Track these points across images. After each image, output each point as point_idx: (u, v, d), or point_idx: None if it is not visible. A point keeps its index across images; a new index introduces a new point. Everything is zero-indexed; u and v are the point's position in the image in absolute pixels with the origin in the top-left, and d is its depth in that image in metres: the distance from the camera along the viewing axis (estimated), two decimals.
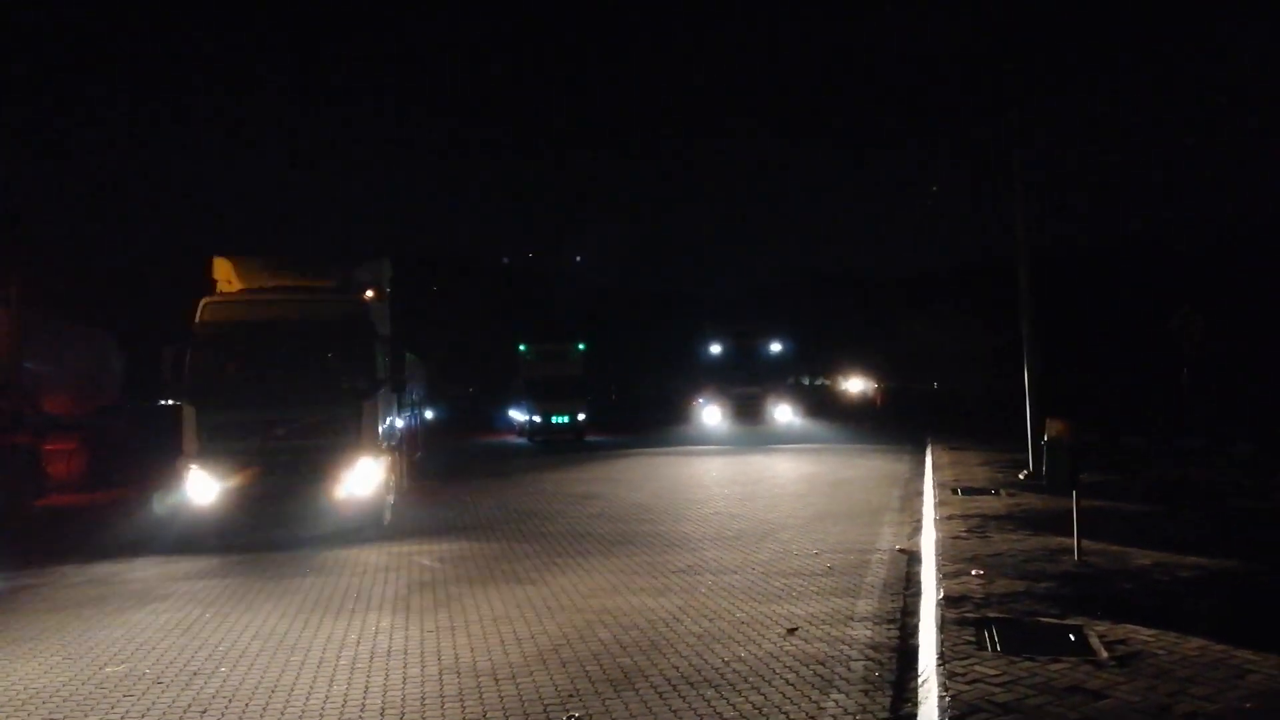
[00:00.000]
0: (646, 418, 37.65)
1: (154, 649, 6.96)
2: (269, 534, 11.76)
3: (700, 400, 30.42)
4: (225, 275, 13.53)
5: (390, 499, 12.81)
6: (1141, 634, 6.01)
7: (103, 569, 10.07)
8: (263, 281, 13.46)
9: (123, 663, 6.61)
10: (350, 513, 11.92)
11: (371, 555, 10.44)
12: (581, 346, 33.13)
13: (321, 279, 13.67)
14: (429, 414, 21.78)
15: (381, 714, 5.48)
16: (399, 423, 15.04)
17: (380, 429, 12.38)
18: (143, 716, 5.53)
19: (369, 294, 13.58)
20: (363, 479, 11.86)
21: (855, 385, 56.52)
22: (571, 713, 5.38)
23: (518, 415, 33.50)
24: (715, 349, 30.81)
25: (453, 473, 20.42)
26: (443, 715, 5.42)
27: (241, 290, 13.36)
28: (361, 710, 5.54)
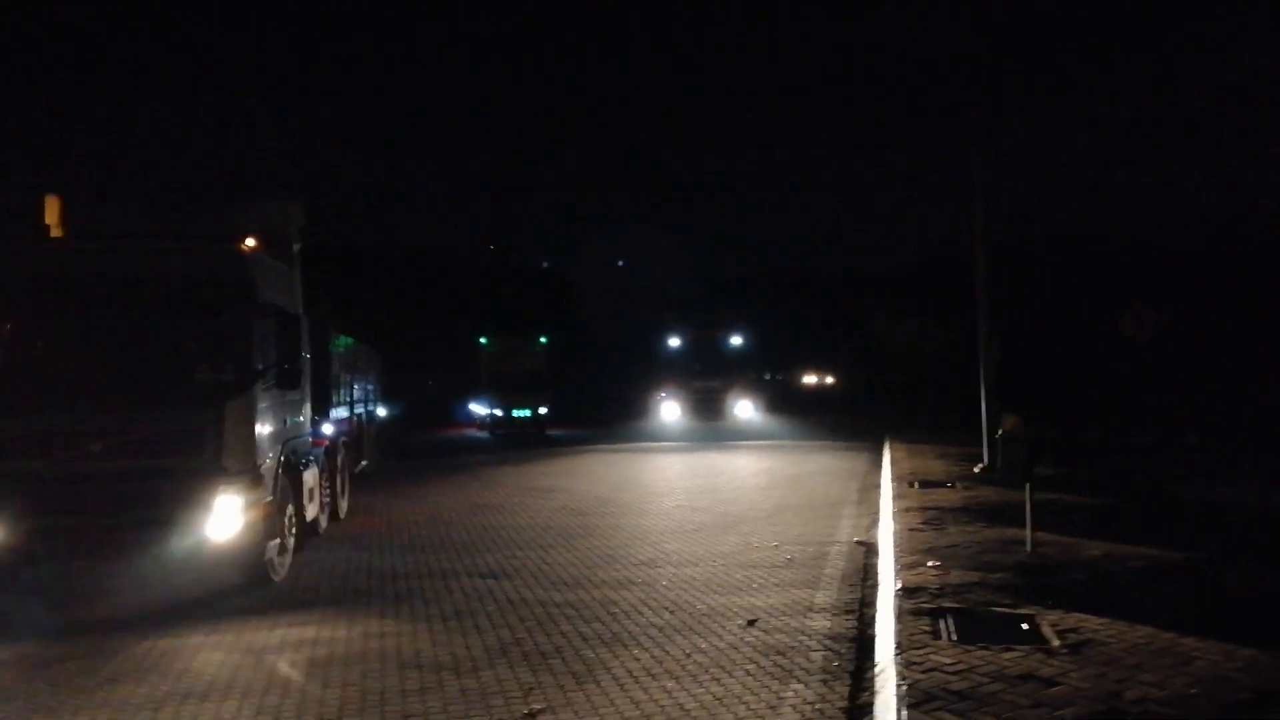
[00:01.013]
0: (608, 412, 37.50)
1: None
2: (57, 610, 7.80)
3: (660, 395, 30.01)
4: (55, 220, 9.32)
5: (280, 543, 8.70)
6: (1092, 622, 6.15)
7: None
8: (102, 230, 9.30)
9: None
10: (202, 570, 8.46)
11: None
12: (544, 339, 32.97)
13: (192, 227, 9.37)
14: (381, 411, 19.40)
15: (340, 710, 5.43)
16: (328, 428, 11.81)
17: (260, 441, 8.39)
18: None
19: (250, 243, 9.09)
20: (223, 519, 7.90)
21: (815, 380, 56.99)
22: (533, 705, 5.37)
23: (479, 409, 33.27)
24: (675, 343, 30.43)
25: (405, 478, 18.06)
26: (403, 709, 5.38)
27: (58, 239, 9.21)
28: (320, 705, 5.49)
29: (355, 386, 15.11)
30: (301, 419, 10.21)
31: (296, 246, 10.42)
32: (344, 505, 12.73)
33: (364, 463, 15.67)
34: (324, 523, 11.25)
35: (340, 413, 13.16)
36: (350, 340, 14.35)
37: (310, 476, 10.16)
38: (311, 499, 10.18)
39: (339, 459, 12.52)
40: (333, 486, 11.90)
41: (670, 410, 29.26)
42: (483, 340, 32.71)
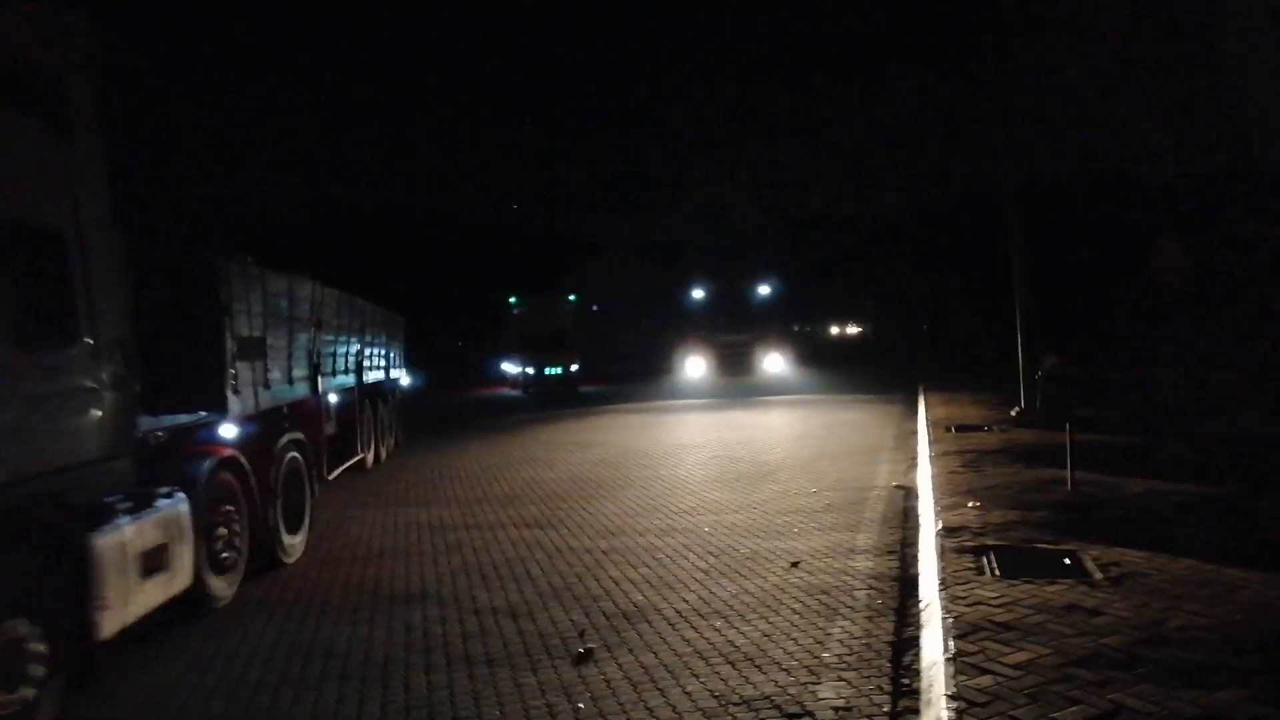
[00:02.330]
0: (637, 368, 37.64)
1: None
2: None
3: (685, 350, 28.58)
4: None
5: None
6: (1133, 556, 6.23)
7: None
8: None
9: None
10: None
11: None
12: (572, 298, 33.16)
13: None
14: (404, 380, 17.26)
15: (405, 649, 5.67)
16: (230, 428, 7.27)
17: None
18: (171, 658, 5.69)
19: None
20: None
21: (845, 330, 56.76)
22: (587, 644, 5.58)
23: (510, 368, 33.62)
24: (699, 295, 28.85)
25: (441, 437, 18.32)
26: (465, 651, 5.61)
27: None
28: (386, 648, 5.73)
29: (337, 353, 10.93)
30: (110, 413, 5.51)
31: (83, 96, 5.60)
32: (296, 542, 8.36)
33: (359, 456, 12.45)
34: (223, 591, 6.83)
35: (276, 393, 8.14)
36: (318, 288, 9.88)
37: (142, 531, 5.48)
38: (166, 561, 5.75)
39: (276, 471, 8.02)
40: (261, 519, 7.54)
41: (695, 366, 28.08)
42: (512, 300, 32.97)
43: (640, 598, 6.50)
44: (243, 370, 7.28)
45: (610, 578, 7.06)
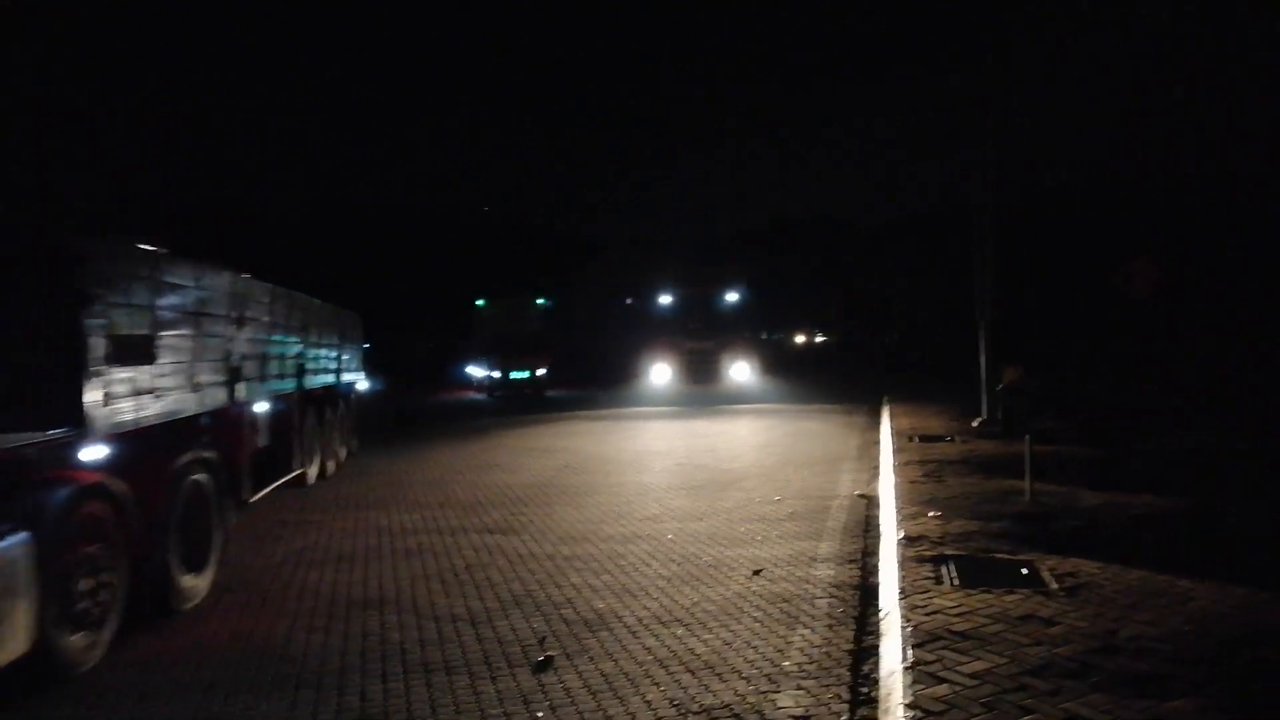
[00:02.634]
0: (605, 374, 37.61)
1: None
2: None
3: (651, 357, 27.85)
4: None
5: None
6: (1089, 566, 6.32)
7: None
8: None
9: None
10: None
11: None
12: (542, 301, 33.04)
13: None
14: (362, 384, 16.32)
15: (362, 656, 5.60)
16: (94, 452, 5.85)
17: None
18: (119, 660, 5.57)
19: None
20: None
21: (813, 338, 57.18)
22: (547, 652, 5.54)
23: (477, 371, 33.42)
24: (666, 301, 28.05)
25: (398, 450, 17.62)
26: (423, 658, 5.55)
27: None
28: (342, 655, 5.65)
29: (269, 355, 9.69)
30: None
31: None
32: (199, 584, 6.96)
33: (297, 471, 11.05)
34: (82, 654, 5.48)
35: (174, 403, 6.73)
36: (241, 281, 8.64)
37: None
38: None
39: (171, 498, 6.62)
40: (146, 558, 6.25)
41: (661, 373, 27.39)
42: (480, 302, 32.76)
43: (602, 605, 6.47)
44: (118, 376, 5.91)
45: (572, 585, 7.03)
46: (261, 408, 9.75)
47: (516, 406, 27.12)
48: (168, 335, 6.67)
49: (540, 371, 31.41)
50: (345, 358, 14.45)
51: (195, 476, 7.13)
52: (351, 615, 6.46)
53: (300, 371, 11.13)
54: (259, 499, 9.15)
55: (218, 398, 7.79)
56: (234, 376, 8.25)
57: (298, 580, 7.49)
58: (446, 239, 51.27)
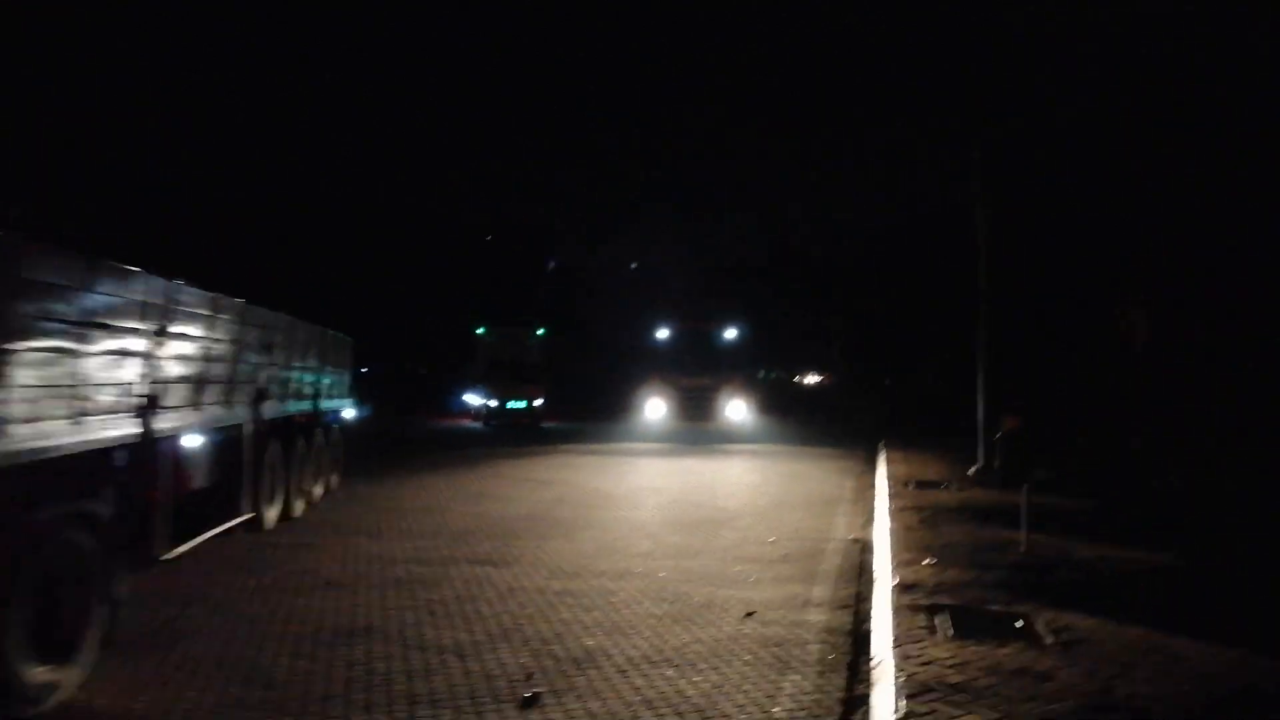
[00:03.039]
0: (601, 407, 37.49)
1: None
2: None
3: (646, 392, 26.99)
4: None
5: None
6: (1085, 622, 6.27)
7: None
8: None
9: None
10: None
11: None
12: (541, 331, 33.06)
13: None
14: (349, 412, 15.00)
15: (346, 686, 5.52)
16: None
17: None
18: (105, 682, 5.49)
19: None
20: None
21: (810, 379, 57.21)
22: (534, 689, 5.46)
23: (474, 399, 33.35)
24: (663, 336, 27.45)
25: (389, 477, 17.93)
26: (409, 689, 5.47)
27: None
28: (326, 683, 5.57)
29: (211, 376, 8.17)
30: None
31: None
32: (58, 678, 5.22)
33: (245, 516, 9.32)
34: None
35: (37, 438, 5.10)
36: (167, 286, 7.10)
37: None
38: None
39: (15, 566, 4.88)
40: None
41: (655, 409, 26.51)
42: (480, 330, 32.77)
43: (591, 642, 6.40)
44: None
45: (562, 620, 6.96)
46: (196, 441, 8.06)
47: (512, 436, 27.04)
48: (26, 349, 5.00)
49: (537, 402, 31.35)
50: (326, 383, 13.09)
51: (66, 535, 5.39)
52: (337, 643, 6.38)
53: (259, 397, 9.61)
54: (184, 552, 7.32)
55: (119, 430, 6.14)
56: (150, 403, 6.68)
57: (284, 605, 7.40)
58: (446, 266, 51.39)
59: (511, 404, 31.15)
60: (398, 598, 7.63)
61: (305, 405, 11.99)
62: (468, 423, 33.03)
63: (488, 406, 31.31)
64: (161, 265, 7.11)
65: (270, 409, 10.07)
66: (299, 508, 11.56)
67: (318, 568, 8.79)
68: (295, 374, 11.48)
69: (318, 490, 12.79)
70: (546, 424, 31.20)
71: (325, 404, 13.04)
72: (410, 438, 26.09)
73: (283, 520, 10.88)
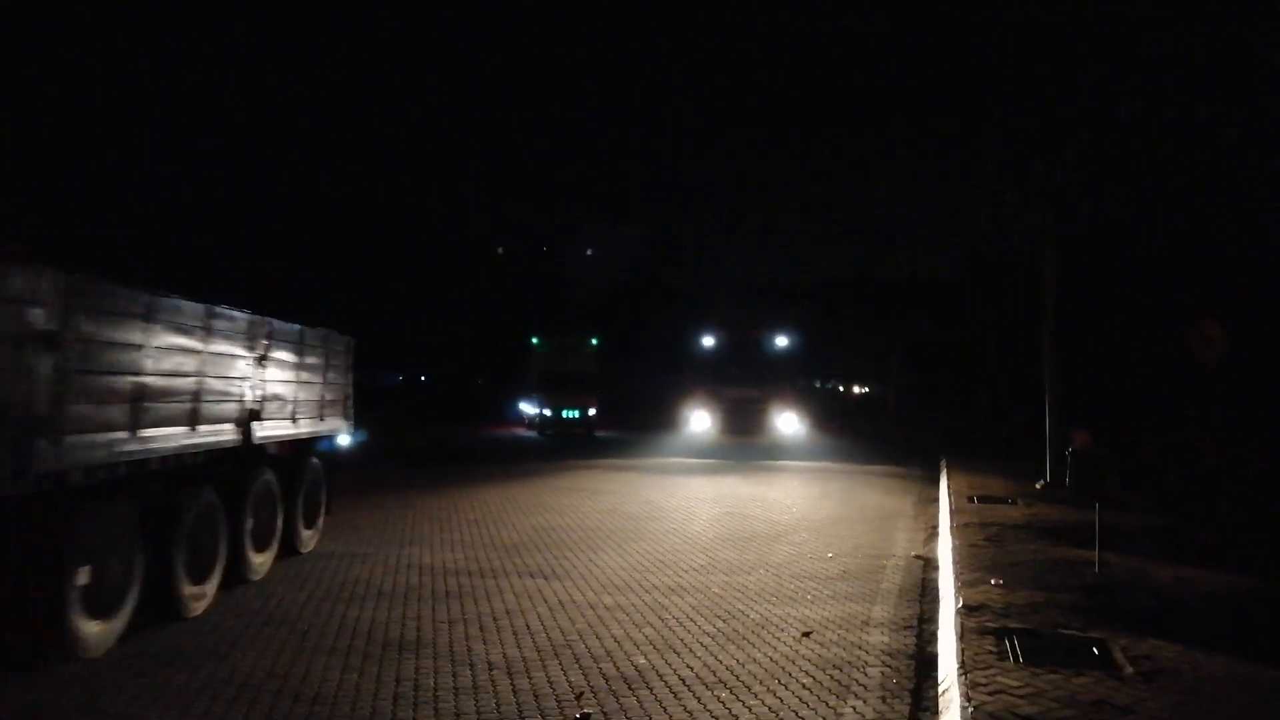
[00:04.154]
0: (654, 417, 37.18)
1: None
2: None
3: (691, 404, 25.46)
4: None
5: None
6: (1166, 650, 5.90)
7: None
8: None
9: None
10: None
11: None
12: (595, 341, 33.05)
13: None
14: (344, 438, 11.69)
15: (394, 702, 5.42)
16: None
17: None
18: (157, 696, 5.47)
19: None
20: None
21: (867, 390, 56.32)
22: (585, 709, 5.31)
23: (528, 408, 33.48)
24: (709, 344, 25.61)
25: (444, 490, 18.09)
26: (456, 707, 5.36)
27: None
28: (374, 699, 5.48)
29: (110, 388, 6.19)
30: None
31: None
32: None
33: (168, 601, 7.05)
34: None
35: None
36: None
37: None
38: None
39: None
40: None
41: (700, 421, 24.98)
42: (535, 340, 32.91)
43: (643, 661, 6.22)
44: None
45: (613, 637, 6.79)
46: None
47: (566, 445, 26.97)
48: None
49: (591, 411, 31.32)
50: (313, 397, 10.15)
51: None
52: (386, 657, 6.30)
53: (196, 418, 7.34)
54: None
55: None
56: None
57: (337, 616, 7.36)
58: (504, 277, 51.89)
59: (566, 413, 31.17)
60: (448, 611, 7.54)
61: (285, 428, 9.36)
62: (522, 431, 33.14)
63: (542, 415, 31.37)
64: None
65: (209, 436, 7.61)
66: (256, 570, 8.61)
67: (370, 578, 8.76)
68: (273, 385, 9.02)
69: (302, 536, 9.89)
70: (600, 433, 31.14)
71: (310, 424, 10.10)
72: (464, 449, 26.21)
73: (236, 582, 8.22)
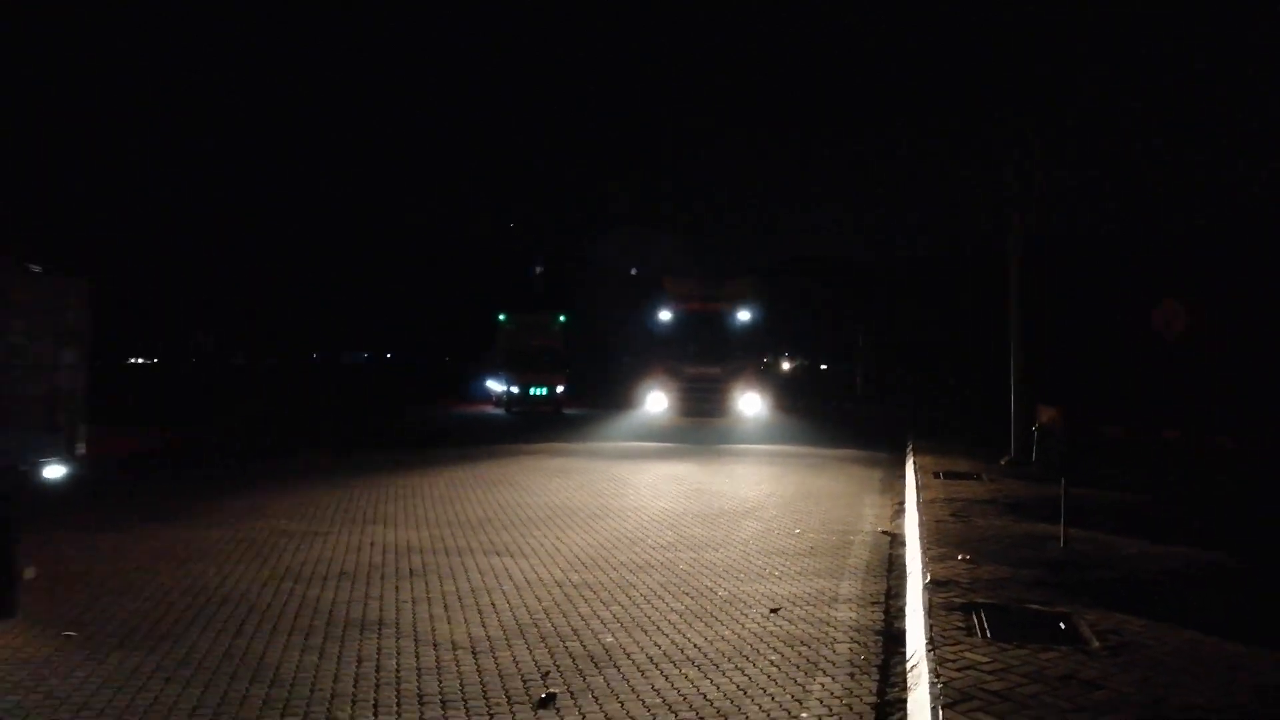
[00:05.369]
0: (619, 395, 36.78)
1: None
2: None
3: (647, 384, 23.92)
4: None
5: None
6: (1132, 624, 5.92)
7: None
8: None
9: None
10: None
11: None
12: (562, 318, 32.82)
13: None
14: (49, 472, 6.38)
15: (355, 684, 5.29)
16: None
17: None
18: (109, 676, 5.30)
19: None
20: None
21: (832, 368, 56.60)
22: (550, 688, 5.21)
23: (495, 386, 33.22)
24: (665, 319, 23.77)
25: (409, 464, 18.52)
26: (419, 688, 5.23)
27: None
28: (334, 680, 5.34)
29: None
30: None
31: None
32: None
33: None
34: None
35: None
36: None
37: None
38: None
39: None
40: None
41: (657, 402, 23.37)
42: (501, 317, 32.59)
43: (610, 639, 6.13)
44: None
45: (580, 615, 6.70)
46: None
47: (534, 423, 26.79)
48: None
49: (559, 389, 31.13)
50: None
51: None
52: (348, 637, 6.15)
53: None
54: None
55: None
56: None
57: (297, 596, 7.20)
58: (466, 253, 51.41)
59: (534, 390, 30.95)
60: (411, 590, 7.40)
61: None
62: (490, 409, 32.90)
63: (510, 393, 31.13)
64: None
65: None
66: None
67: (332, 556, 8.59)
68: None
69: None
70: (568, 411, 31.00)
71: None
72: (432, 427, 25.95)
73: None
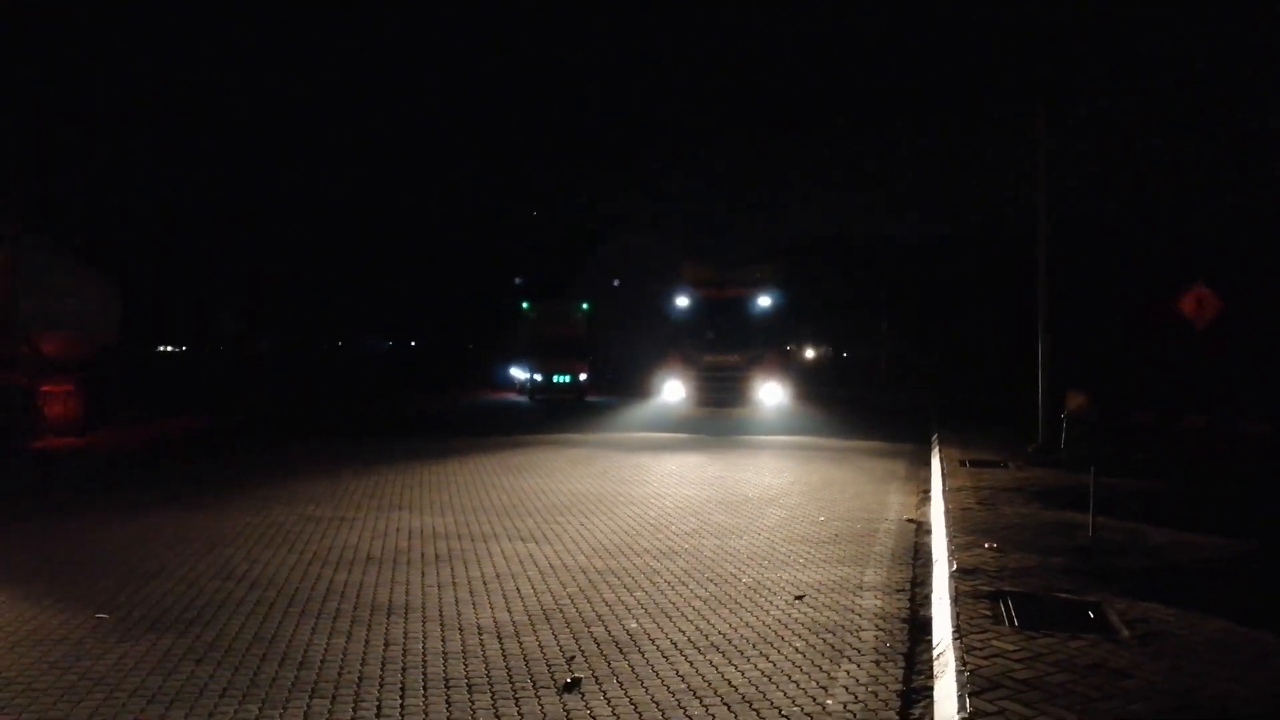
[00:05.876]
0: (646, 384, 36.61)
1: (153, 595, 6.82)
2: None
3: (664, 372, 23.28)
4: None
5: None
6: (1161, 612, 5.86)
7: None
8: None
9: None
10: None
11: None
12: (586, 306, 32.83)
13: None
14: None
15: (382, 667, 5.34)
16: None
17: None
18: (141, 658, 5.38)
19: None
20: None
21: (856, 355, 56.25)
22: (574, 673, 5.23)
23: (519, 374, 33.34)
24: (684, 304, 23.12)
25: (435, 451, 19.01)
26: (444, 671, 5.28)
27: None
28: (361, 664, 5.40)
29: None
30: None
31: None
32: None
33: None
34: None
35: None
36: None
37: None
38: None
39: None
40: None
41: (674, 391, 22.70)
42: (525, 305, 32.67)
43: (634, 625, 6.15)
44: None
45: (604, 601, 6.72)
46: None
47: (557, 411, 26.86)
48: None
49: (582, 376, 31.18)
50: None
51: None
52: (375, 621, 6.21)
53: None
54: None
55: None
56: None
57: (325, 580, 7.27)
58: (492, 242, 51.44)
59: (557, 378, 31.03)
60: (437, 575, 7.45)
61: None
62: (513, 397, 33.03)
63: (533, 380, 31.23)
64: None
65: None
66: None
67: (359, 542, 8.67)
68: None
69: None
70: (591, 398, 31.06)
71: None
72: (457, 413, 26.09)
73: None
